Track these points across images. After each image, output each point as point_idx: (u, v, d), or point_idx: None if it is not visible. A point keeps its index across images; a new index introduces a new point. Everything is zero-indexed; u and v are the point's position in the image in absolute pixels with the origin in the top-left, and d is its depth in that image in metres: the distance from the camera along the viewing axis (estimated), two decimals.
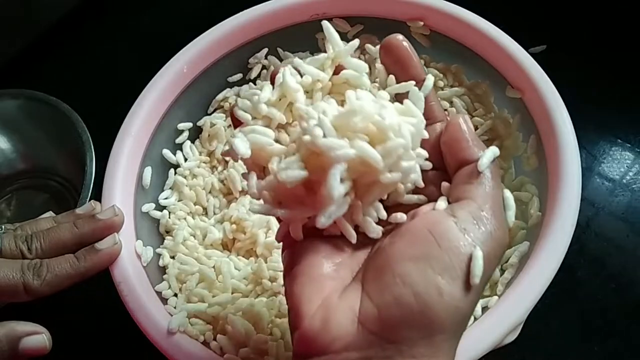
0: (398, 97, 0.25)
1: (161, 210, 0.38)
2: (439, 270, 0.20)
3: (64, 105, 0.44)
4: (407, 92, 0.24)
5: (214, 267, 0.36)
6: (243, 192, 0.40)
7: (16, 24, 0.55)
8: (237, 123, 0.25)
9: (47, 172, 0.49)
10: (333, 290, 0.21)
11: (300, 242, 0.23)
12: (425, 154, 0.23)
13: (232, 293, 0.34)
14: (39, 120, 0.46)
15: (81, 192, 0.40)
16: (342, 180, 0.21)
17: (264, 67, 0.43)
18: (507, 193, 0.23)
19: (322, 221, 0.21)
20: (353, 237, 0.23)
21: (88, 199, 0.39)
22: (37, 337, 0.29)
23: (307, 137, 0.21)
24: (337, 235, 0.23)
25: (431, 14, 0.39)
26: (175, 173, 0.40)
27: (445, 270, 0.20)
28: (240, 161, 0.25)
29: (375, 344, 0.19)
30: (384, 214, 0.23)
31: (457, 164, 0.23)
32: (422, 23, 0.40)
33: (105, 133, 0.38)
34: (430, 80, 0.25)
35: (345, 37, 0.43)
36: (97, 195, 0.35)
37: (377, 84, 0.26)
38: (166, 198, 0.39)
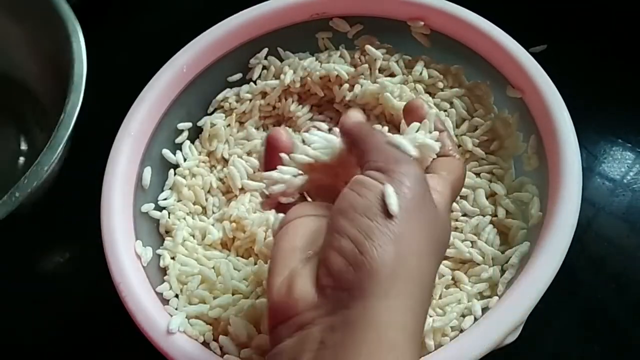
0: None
1: (161, 211, 0.38)
2: (361, 212, 0.21)
3: None
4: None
5: (213, 267, 0.36)
6: (243, 190, 0.40)
7: None
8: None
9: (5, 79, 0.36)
10: (299, 261, 0.23)
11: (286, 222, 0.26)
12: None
13: (233, 294, 0.34)
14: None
15: (64, 107, 0.33)
16: None
17: (264, 68, 0.43)
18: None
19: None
20: None
21: (78, 108, 0.33)
22: None
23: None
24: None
25: (432, 13, 0.39)
26: (175, 173, 0.40)
27: (366, 210, 0.21)
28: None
29: (332, 297, 0.21)
30: None
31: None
32: (422, 23, 0.40)
33: (105, 133, 0.38)
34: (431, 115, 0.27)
35: (345, 37, 0.43)
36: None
37: None
38: (165, 199, 0.39)
